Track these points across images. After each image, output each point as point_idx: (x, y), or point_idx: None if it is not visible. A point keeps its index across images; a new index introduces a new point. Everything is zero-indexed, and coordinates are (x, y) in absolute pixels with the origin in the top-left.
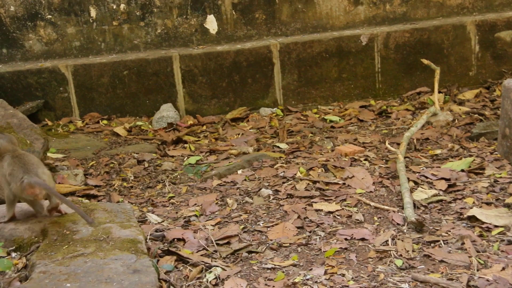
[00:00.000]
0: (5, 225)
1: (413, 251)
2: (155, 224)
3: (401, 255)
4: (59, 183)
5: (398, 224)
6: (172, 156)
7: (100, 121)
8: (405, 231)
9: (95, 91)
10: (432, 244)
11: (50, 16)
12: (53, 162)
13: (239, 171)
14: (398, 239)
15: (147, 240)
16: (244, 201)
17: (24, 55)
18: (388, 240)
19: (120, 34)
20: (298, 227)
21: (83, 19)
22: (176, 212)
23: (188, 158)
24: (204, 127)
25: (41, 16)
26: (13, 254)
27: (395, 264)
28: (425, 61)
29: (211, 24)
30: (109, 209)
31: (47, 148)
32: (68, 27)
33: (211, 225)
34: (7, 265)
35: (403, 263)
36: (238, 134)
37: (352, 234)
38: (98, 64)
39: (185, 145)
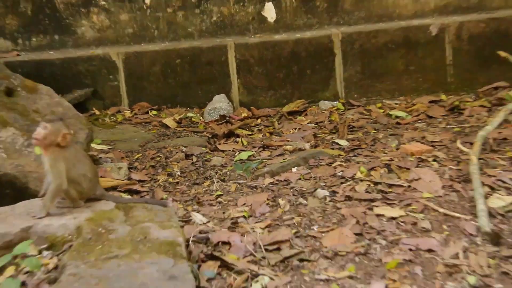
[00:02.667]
0: (39, 221)
1: (488, 267)
2: (200, 224)
3: (474, 271)
4: (101, 176)
5: (470, 234)
6: (223, 151)
7: (149, 111)
8: (478, 243)
9: (146, 80)
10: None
11: (104, 3)
12: (97, 154)
13: (294, 169)
14: (471, 252)
15: (190, 243)
16: (297, 203)
17: (76, 42)
18: (459, 253)
19: (174, 22)
20: (356, 234)
21: (137, 6)
22: (223, 212)
23: (239, 153)
24: (259, 120)
25: (95, 2)
26: (45, 253)
27: (467, 281)
28: (503, 54)
29: (270, 12)
30: (149, 207)
31: (92, 139)
32: (121, 14)
33: (260, 228)
34: (35, 265)
35: (476, 281)
36: (295, 129)
37: (418, 244)
38: (150, 52)
39: (237, 139)
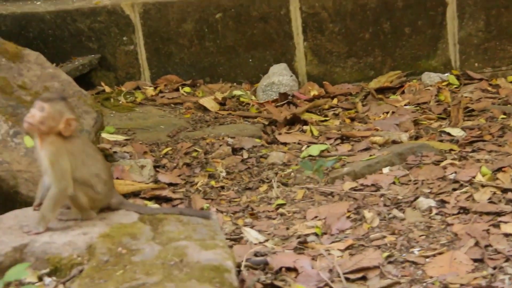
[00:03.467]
0: (37, 237)
1: None
2: (255, 244)
3: None
4: (117, 178)
5: None
6: (285, 144)
7: (180, 88)
8: None
9: (174, 43)
10: None
11: None
12: (110, 147)
13: (385, 170)
14: None
15: (242, 268)
16: (390, 216)
17: None
18: None
19: None
20: (475, 260)
21: None
22: (287, 228)
23: (308, 147)
24: (335, 101)
25: None
26: (47, 280)
27: None
28: None
29: None
30: (186, 220)
31: (102, 126)
32: None
33: (338, 250)
34: None
35: None
36: (386, 113)
37: None
38: (178, 2)
39: (305, 127)
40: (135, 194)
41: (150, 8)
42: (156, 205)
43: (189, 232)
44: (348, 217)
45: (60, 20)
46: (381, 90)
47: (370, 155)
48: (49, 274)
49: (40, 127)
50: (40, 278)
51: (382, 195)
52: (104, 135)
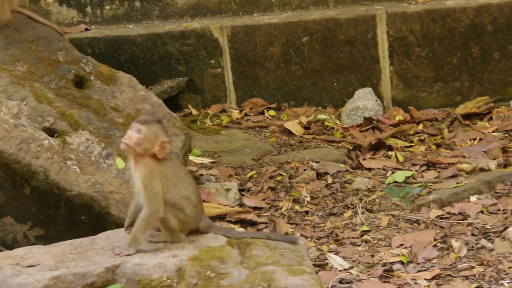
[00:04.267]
0: (129, 259)
1: None
2: (340, 271)
3: None
4: (203, 200)
5: None
6: (369, 169)
7: (265, 111)
8: None
9: (260, 66)
10: None
11: None
12: (196, 170)
13: (473, 198)
14: None
15: None
16: (478, 246)
17: (164, 11)
18: None
19: None
20: None
21: None
22: (372, 256)
23: (393, 173)
24: (421, 126)
25: None
26: None
27: None
28: None
29: None
30: (273, 245)
31: (190, 148)
32: None
33: (424, 279)
34: None
35: None
36: (474, 139)
37: None
38: (266, 25)
39: (390, 152)
40: (221, 217)
41: (238, 31)
42: (242, 229)
43: (277, 257)
44: (435, 245)
45: (151, 43)
46: (468, 116)
47: (457, 183)
48: None
49: (136, 148)
50: None
51: (469, 224)
52: (190, 157)
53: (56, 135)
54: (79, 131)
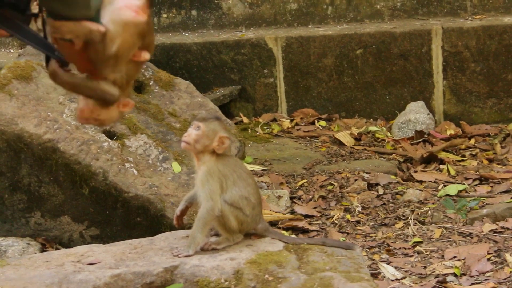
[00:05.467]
0: (187, 260)
1: None
2: (392, 281)
3: None
4: None
5: None
6: (421, 182)
7: (316, 121)
8: None
9: (313, 77)
10: None
11: None
12: None
13: None
14: None
15: None
16: None
17: (219, 20)
18: None
19: None
20: None
21: None
22: (424, 267)
23: (445, 186)
24: (473, 141)
25: None
26: None
27: None
28: None
29: None
30: (330, 251)
31: (244, 155)
32: None
33: None
34: None
35: None
36: None
37: None
38: (320, 37)
39: (441, 166)
40: (273, 224)
41: (292, 42)
42: (293, 236)
43: (334, 264)
44: (489, 259)
45: (206, 51)
46: None
47: (511, 198)
48: None
49: (195, 145)
50: None
51: None
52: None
53: (115, 137)
54: (138, 135)
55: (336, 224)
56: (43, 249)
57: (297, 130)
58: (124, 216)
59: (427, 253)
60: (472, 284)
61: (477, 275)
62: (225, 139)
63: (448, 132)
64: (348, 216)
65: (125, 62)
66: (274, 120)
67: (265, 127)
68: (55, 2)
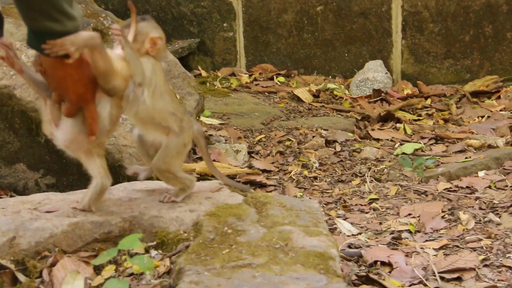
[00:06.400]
0: (146, 210)
1: None
2: (348, 236)
3: None
4: (214, 160)
5: None
6: (377, 140)
7: (274, 77)
8: None
9: (272, 33)
10: None
11: None
12: (206, 130)
13: (481, 173)
14: None
15: None
16: (486, 219)
17: None
18: None
19: None
20: None
21: None
22: (380, 223)
23: (401, 144)
24: (429, 101)
25: None
26: (153, 253)
27: None
28: None
29: None
30: (289, 206)
31: (202, 108)
32: None
33: (432, 248)
34: (147, 265)
35: None
36: (482, 117)
37: None
38: None
39: (398, 124)
40: (231, 178)
41: None
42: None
43: (293, 218)
44: (443, 217)
45: (165, 2)
46: (476, 94)
47: (466, 158)
48: (156, 247)
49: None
50: (147, 250)
51: (477, 198)
52: (202, 117)
53: None
54: None
55: (294, 179)
56: None
57: (256, 85)
58: (81, 166)
59: (383, 210)
60: (426, 240)
61: (431, 232)
62: (157, 39)
63: (405, 92)
64: (306, 172)
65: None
66: (233, 74)
67: (224, 81)
68: (47, 22)
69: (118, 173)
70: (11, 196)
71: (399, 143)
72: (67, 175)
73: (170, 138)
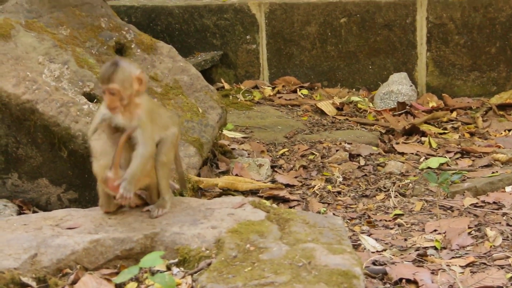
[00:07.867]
0: (168, 227)
1: None
2: (372, 252)
3: None
4: (236, 175)
5: None
6: (402, 154)
7: (298, 90)
8: None
9: (296, 45)
10: None
11: None
12: (228, 144)
13: (508, 188)
14: None
15: None
16: None
17: None
18: None
19: None
20: None
21: None
22: (405, 239)
23: (426, 159)
24: (454, 114)
25: None
26: (175, 270)
27: None
28: None
29: None
30: (312, 222)
31: (225, 122)
32: None
33: (459, 265)
34: (169, 284)
35: None
36: (508, 130)
37: None
38: (304, 4)
39: (423, 138)
40: (253, 192)
41: (276, 8)
42: (274, 205)
43: (316, 235)
44: (469, 233)
45: (188, 15)
46: (503, 107)
47: (493, 172)
48: (177, 265)
49: (123, 103)
50: (169, 268)
51: (504, 214)
52: (224, 131)
53: (95, 100)
54: None
55: (317, 194)
56: (20, 211)
57: (279, 98)
58: None
59: (408, 225)
60: (453, 257)
61: (457, 249)
62: (140, 75)
63: (430, 104)
64: (329, 187)
65: None
66: (256, 87)
67: (247, 94)
68: None
69: None
70: (34, 211)
71: (424, 157)
72: (90, 190)
73: (166, 133)
